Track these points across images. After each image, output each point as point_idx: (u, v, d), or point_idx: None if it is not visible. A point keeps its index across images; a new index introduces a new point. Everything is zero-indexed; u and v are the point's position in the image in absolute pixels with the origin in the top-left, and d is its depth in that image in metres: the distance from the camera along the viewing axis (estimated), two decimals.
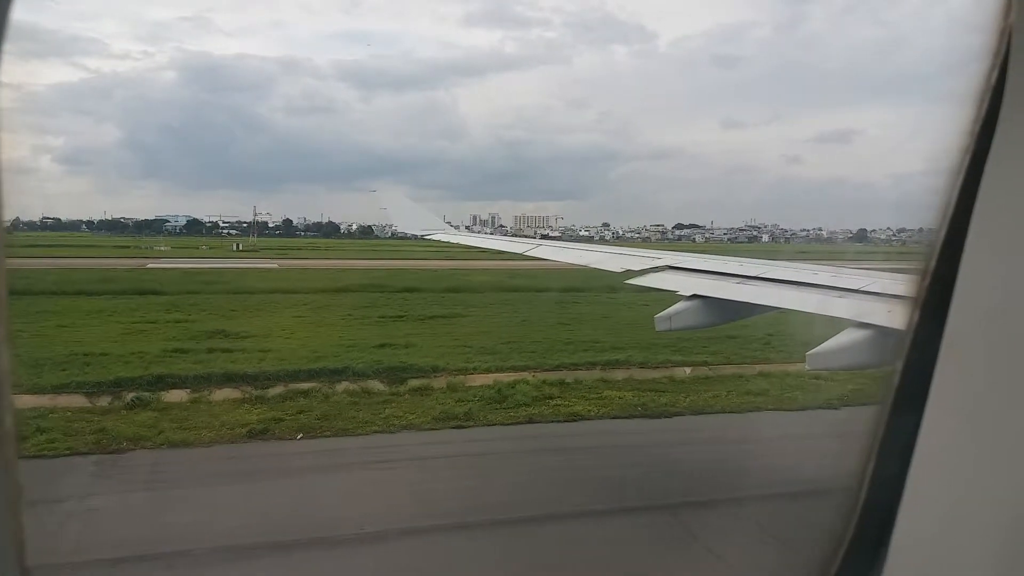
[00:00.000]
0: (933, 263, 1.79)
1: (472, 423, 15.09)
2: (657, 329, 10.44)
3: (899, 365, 1.88)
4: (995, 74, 1.62)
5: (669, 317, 10.20)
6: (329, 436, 14.09)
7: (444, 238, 20.12)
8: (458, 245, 21.53)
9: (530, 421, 15.43)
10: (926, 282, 1.81)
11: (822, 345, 7.77)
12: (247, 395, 16.94)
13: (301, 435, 14.10)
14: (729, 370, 20.28)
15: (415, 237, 23.89)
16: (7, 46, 1.34)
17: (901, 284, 7.75)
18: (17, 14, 1.36)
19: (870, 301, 8.01)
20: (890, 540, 1.81)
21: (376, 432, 14.37)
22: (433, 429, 14.67)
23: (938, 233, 1.77)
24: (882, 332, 7.25)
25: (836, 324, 7.98)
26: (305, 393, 17.02)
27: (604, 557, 9.32)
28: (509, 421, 15.36)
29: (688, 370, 20.28)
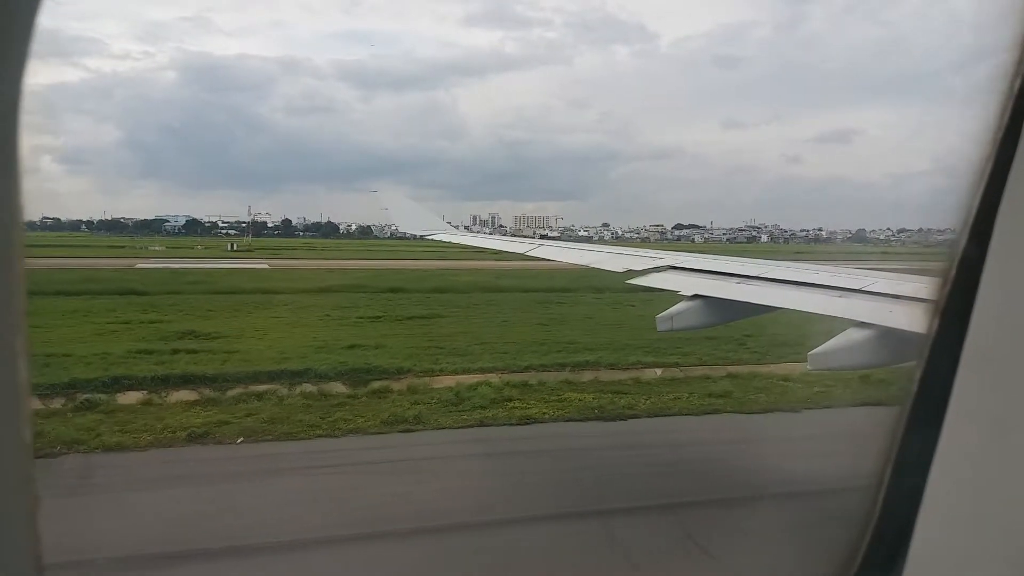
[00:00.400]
0: (954, 269, 1.78)
1: (420, 427, 14.70)
2: (659, 329, 10.26)
3: (918, 372, 1.89)
4: (1019, 81, 1.62)
5: (671, 317, 10.04)
6: (270, 440, 13.72)
7: (444, 238, 19.94)
8: (458, 245, 21.31)
9: (480, 424, 15.03)
10: (947, 288, 1.80)
11: (823, 345, 7.66)
12: (202, 397, 16.68)
13: (241, 439, 13.77)
14: (699, 371, 19.88)
15: (415, 237, 23.75)
16: (34, 47, 1.28)
17: (902, 284, 7.74)
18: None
19: (872, 301, 7.89)
20: (908, 548, 1.80)
21: (319, 436, 13.98)
22: (379, 433, 14.26)
23: (959, 239, 1.76)
24: (884, 332, 7.10)
25: (837, 324, 7.82)
26: (260, 395, 16.74)
27: (515, 565, 8.99)
28: (459, 424, 14.94)
29: (659, 371, 19.92)
